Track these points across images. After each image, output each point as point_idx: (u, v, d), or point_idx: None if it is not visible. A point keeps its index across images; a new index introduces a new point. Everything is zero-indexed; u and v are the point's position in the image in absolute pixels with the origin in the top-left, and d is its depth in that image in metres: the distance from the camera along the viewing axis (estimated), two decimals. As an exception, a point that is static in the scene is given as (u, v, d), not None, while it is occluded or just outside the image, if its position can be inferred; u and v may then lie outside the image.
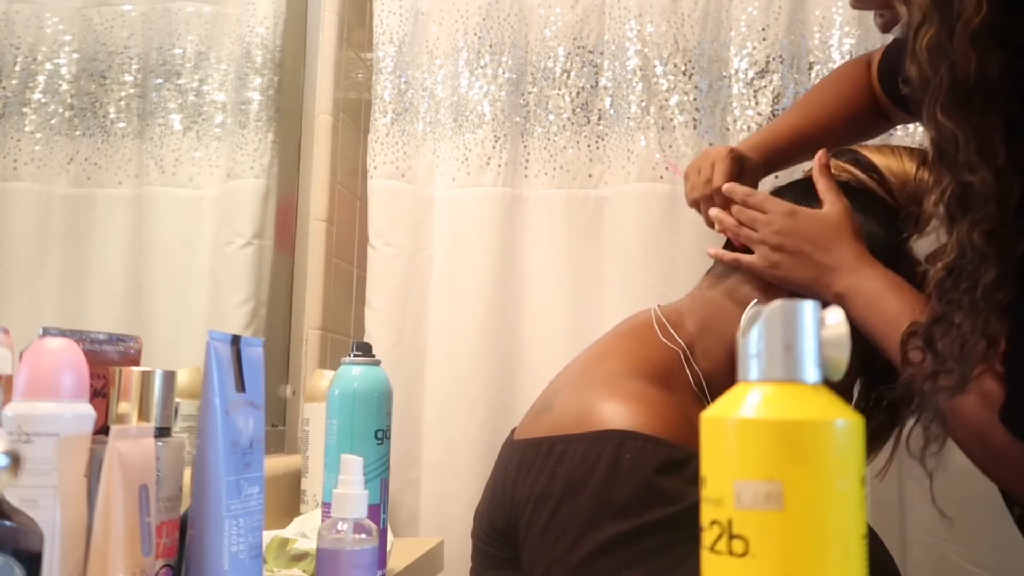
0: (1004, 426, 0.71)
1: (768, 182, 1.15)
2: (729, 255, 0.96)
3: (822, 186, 0.94)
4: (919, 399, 0.76)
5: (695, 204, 1.05)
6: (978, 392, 0.73)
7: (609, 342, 0.96)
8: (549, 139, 1.45)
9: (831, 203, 0.92)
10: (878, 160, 0.96)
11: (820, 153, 0.97)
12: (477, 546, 0.93)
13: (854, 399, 0.98)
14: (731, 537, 0.37)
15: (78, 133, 1.09)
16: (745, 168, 1.03)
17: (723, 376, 0.90)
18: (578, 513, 0.78)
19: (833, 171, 0.96)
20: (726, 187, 0.98)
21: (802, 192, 0.97)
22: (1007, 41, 0.65)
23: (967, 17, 0.64)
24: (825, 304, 0.82)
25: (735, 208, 0.97)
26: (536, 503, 0.81)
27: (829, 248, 0.90)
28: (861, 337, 0.85)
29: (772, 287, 0.93)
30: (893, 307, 0.83)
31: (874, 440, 0.98)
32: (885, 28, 0.87)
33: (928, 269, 0.73)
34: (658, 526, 0.74)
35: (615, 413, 0.80)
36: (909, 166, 0.95)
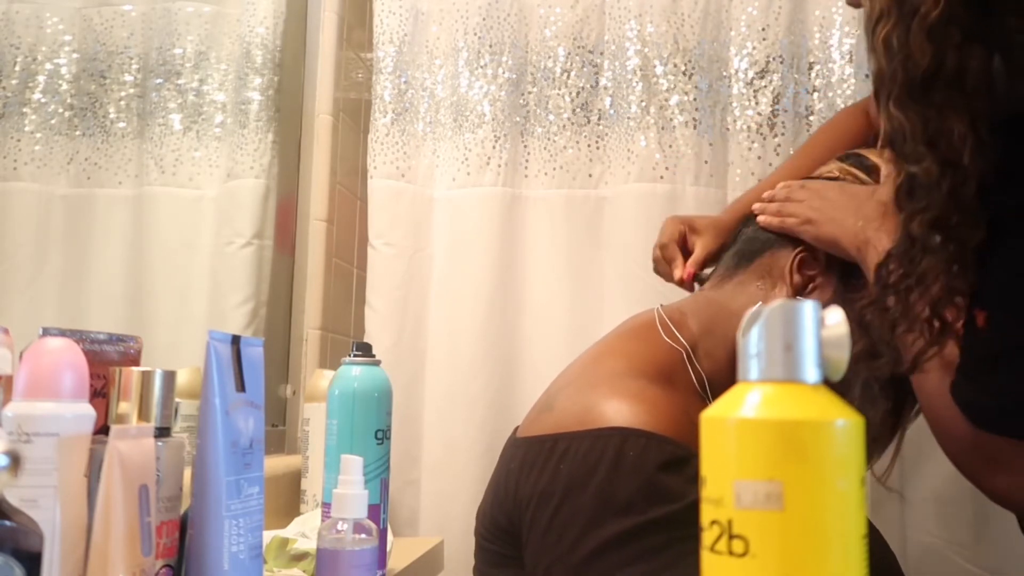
0: (952, 398, 0.72)
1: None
2: (775, 220, 0.95)
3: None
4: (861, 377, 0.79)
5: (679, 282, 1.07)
6: (940, 364, 0.74)
7: (611, 341, 0.96)
8: (549, 139, 1.45)
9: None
10: (882, 164, 0.96)
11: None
12: (480, 544, 0.93)
13: (855, 402, 0.98)
14: (731, 537, 0.37)
15: (78, 133, 1.09)
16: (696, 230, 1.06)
17: (725, 376, 0.90)
18: (581, 511, 0.78)
19: (838, 173, 0.96)
20: (772, 198, 0.98)
21: None
22: (969, 36, 0.65)
23: (924, 12, 0.65)
24: (847, 254, 0.78)
25: (775, 205, 0.97)
26: (539, 501, 0.81)
27: (863, 204, 0.89)
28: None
29: (776, 288, 0.93)
30: None
31: (875, 445, 0.98)
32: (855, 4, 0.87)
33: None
34: (660, 524, 0.74)
35: (617, 411, 0.81)
36: None
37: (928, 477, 1.26)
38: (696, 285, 1.05)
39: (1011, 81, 0.67)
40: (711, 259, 1.06)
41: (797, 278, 0.92)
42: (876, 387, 0.95)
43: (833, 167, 0.97)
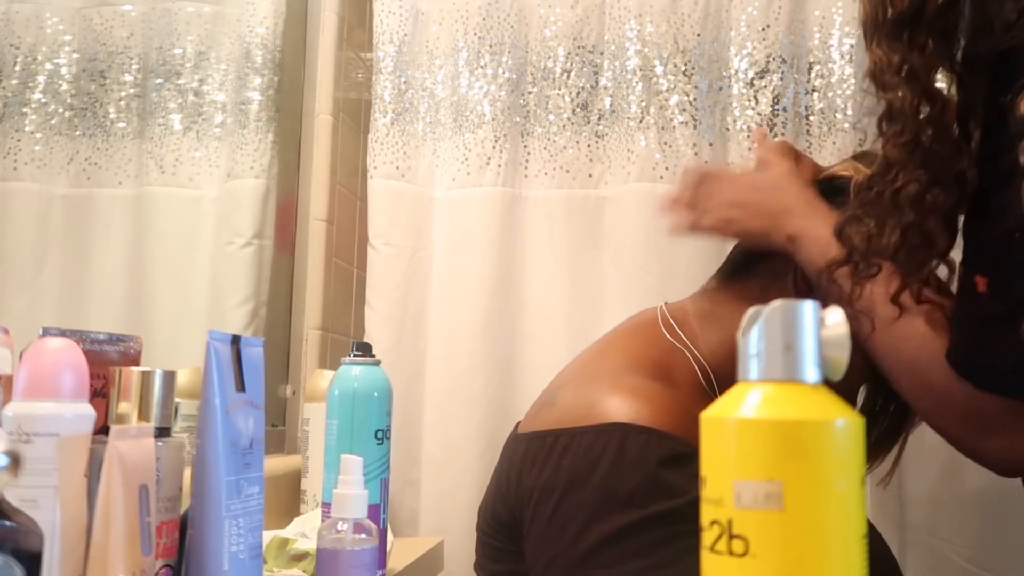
0: (949, 365, 0.74)
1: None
2: (679, 217, 0.97)
3: (761, 153, 0.96)
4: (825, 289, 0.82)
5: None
6: (926, 326, 0.76)
7: (614, 338, 0.96)
8: (549, 139, 1.45)
9: (776, 164, 0.94)
10: None
11: (756, 130, 0.99)
12: (481, 539, 0.93)
13: (858, 404, 0.98)
14: (731, 537, 0.37)
15: (78, 133, 1.09)
16: None
17: (727, 375, 0.91)
18: (582, 505, 0.78)
19: (852, 172, 0.96)
20: (672, 197, 0.99)
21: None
22: None
23: None
24: (780, 250, 0.85)
25: (682, 211, 0.98)
26: (540, 495, 0.81)
27: (780, 194, 0.92)
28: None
29: (778, 287, 0.93)
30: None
31: (878, 445, 0.98)
32: None
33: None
34: (662, 518, 0.74)
35: (619, 407, 0.81)
36: None
37: (928, 477, 1.26)
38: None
39: (981, 30, 0.73)
40: None
41: (802, 284, 0.92)
42: (881, 393, 0.95)
43: (848, 164, 0.97)
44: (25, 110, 1.03)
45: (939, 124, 0.72)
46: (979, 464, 0.80)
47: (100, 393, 0.64)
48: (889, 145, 0.74)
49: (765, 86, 1.40)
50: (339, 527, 0.74)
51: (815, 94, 1.40)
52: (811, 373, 0.39)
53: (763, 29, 1.41)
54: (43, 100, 1.05)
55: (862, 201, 0.77)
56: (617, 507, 0.76)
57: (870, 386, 0.97)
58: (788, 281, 0.92)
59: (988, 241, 0.70)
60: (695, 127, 1.40)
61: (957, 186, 0.73)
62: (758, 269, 0.95)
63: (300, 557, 0.88)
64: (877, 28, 0.73)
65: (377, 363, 0.87)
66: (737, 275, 0.97)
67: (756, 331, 0.40)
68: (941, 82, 0.74)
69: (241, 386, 0.66)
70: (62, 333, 0.62)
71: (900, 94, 0.72)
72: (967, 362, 0.73)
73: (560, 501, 0.80)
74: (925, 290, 0.76)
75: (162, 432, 0.63)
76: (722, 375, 0.90)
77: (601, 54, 1.46)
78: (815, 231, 0.86)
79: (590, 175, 1.44)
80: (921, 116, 0.72)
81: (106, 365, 0.66)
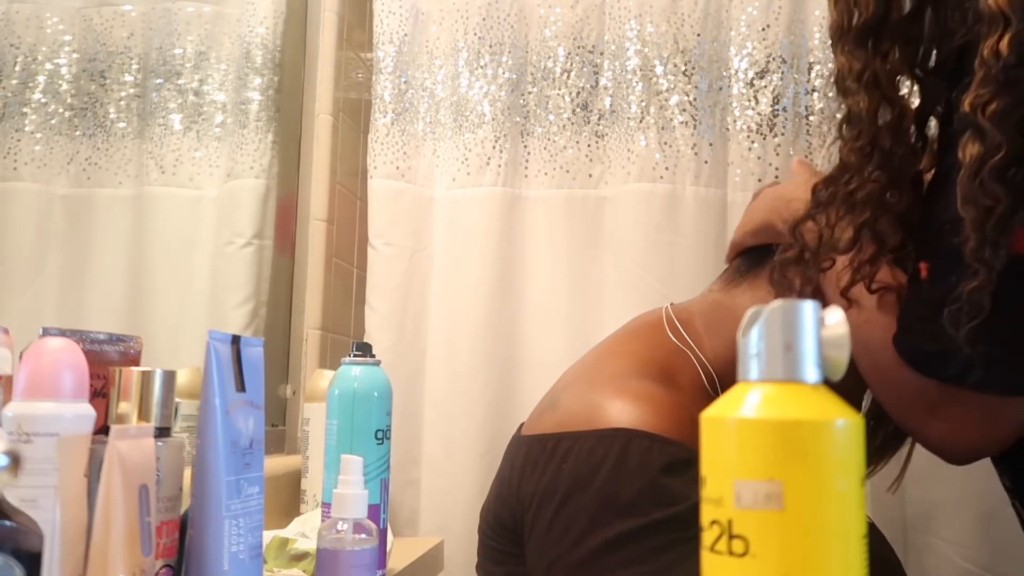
0: (895, 349, 0.76)
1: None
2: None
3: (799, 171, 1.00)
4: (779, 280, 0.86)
5: None
6: (882, 309, 0.78)
7: (617, 341, 0.96)
8: (549, 139, 1.45)
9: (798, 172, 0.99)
10: None
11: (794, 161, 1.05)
12: (483, 541, 0.93)
13: (864, 407, 0.97)
14: (731, 537, 0.37)
15: (78, 133, 1.09)
16: None
17: (732, 377, 0.90)
18: (583, 510, 0.78)
19: None
20: None
21: None
22: None
23: None
24: (781, 235, 0.82)
25: None
26: (541, 499, 0.81)
27: (787, 186, 0.97)
28: None
29: (784, 293, 0.93)
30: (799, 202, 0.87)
31: (885, 447, 0.98)
32: None
33: None
34: (663, 525, 0.74)
35: (622, 412, 0.81)
36: None
37: (928, 477, 1.26)
38: None
39: (943, 37, 0.76)
40: None
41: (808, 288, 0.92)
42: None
43: None
44: (25, 110, 1.03)
45: (897, 129, 0.75)
46: (927, 450, 0.82)
47: (100, 393, 0.64)
48: (846, 149, 0.77)
49: (765, 86, 1.40)
50: (339, 527, 0.74)
51: (815, 94, 1.40)
52: (811, 373, 0.39)
53: (763, 29, 1.40)
54: (43, 100, 1.05)
55: (817, 201, 0.80)
56: (618, 513, 0.76)
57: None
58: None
59: (929, 230, 0.73)
60: (695, 127, 1.40)
61: (912, 187, 0.76)
62: (765, 271, 0.95)
63: (300, 557, 0.88)
64: (843, 35, 0.76)
65: (377, 363, 0.87)
66: (744, 277, 0.97)
67: (756, 331, 0.40)
68: (903, 88, 0.77)
69: (241, 386, 0.66)
70: (62, 333, 0.62)
71: (859, 100, 0.75)
72: (908, 346, 0.75)
73: (561, 505, 0.80)
74: (881, 272, 0.78)
75: (162, 432, 0.63)
76: (727, 378, 0.90)
77: (601, 54, 1.46)
78: (784, 189, 0.91)
79: (590, 175, 1.44)
80: (880, 122, 0.74)
81: (106, 365, 0.66)
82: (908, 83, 0.78)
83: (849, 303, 0.78)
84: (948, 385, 0.73)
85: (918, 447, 0.99)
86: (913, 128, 0.77)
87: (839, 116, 0.79)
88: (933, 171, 0.76)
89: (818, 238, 0.79)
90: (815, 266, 0.81)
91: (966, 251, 0.65)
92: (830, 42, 0.79)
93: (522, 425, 0.93)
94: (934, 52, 0.78)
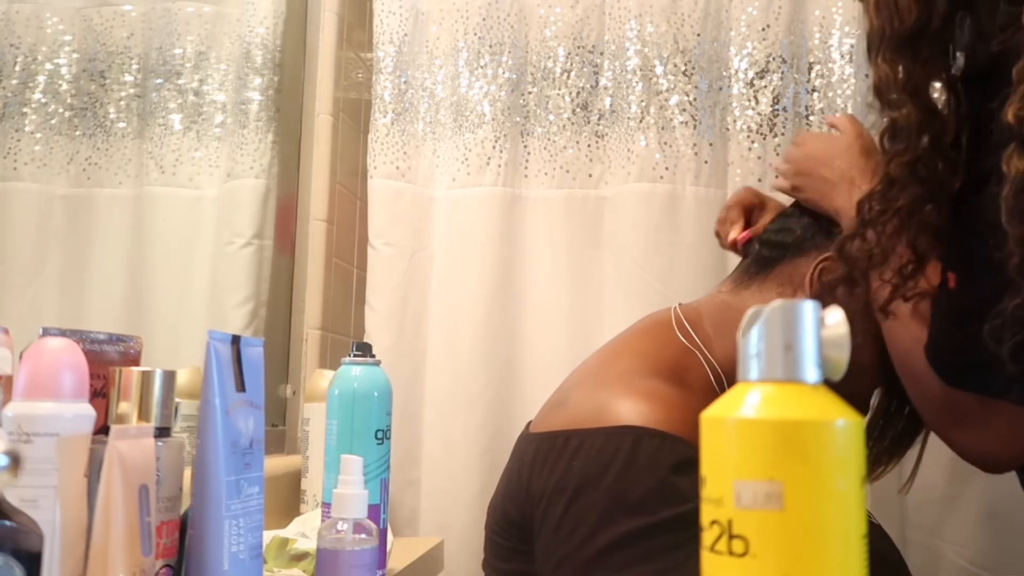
0: (926, 358, 0.76)
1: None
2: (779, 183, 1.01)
3: (832, 119, 1.00)
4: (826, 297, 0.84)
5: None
6: (915, 316, 0.78)
7: (627, 339, 0.96)
8: (549, 139, 1.45)
9: (844, 128, 0.96)
10: None
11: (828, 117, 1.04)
12: (490, 537, 0.93)
13: (870, 407, 0.97)
14: (731, 537, 0.37)
15: (78, 133, 1.09)
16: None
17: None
18: (593, 507, 0.78)
19: None
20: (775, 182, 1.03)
21: None
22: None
23: None
24: (835, 222, 0.83)
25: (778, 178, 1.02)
26: (551, 496, 0.81)
27: (832, 164, 0.93)
28: (882, 345, 0.85)
29: (796, 295, 0.93)
30: None
31: (894, 447, 0.98)
32: None
33: None
34: (672, 524, 0.74)
35: (632, 410, 0.81)
36: None
37: (928, 477, 1.26)
38: (746, 249, 1.07)
39: (978, 43, 0.74)
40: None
41: (818, 287, 0.92)
42: (896, 394, 0.95)
43: None
44: (25, 110, 1.03)
45: (940, 142, 0.73)
46: (960, 457, 0.82)
47: (100, 393, 0.64)
48: (893, 163, 0.75)
49: (765, 86, 1.40)
50: (339, 527, 0.74)
51: (815, 94, 1.40)
52: (811, 373, 0.39)
53: (763, 29, 1.41)
54: (43, 100, 1.05)
55: (864, 219, 0.78)
56: (628, 511, 0.76)
57: (885, 387, 0.97)
58: (805, 284, 0.92)
59: (960, 240, 0.72)
60: (695, 127, 1.40)
61: (948, 202, 0.74)
62: (775, 272, 0.95)
63: (300, 557, 0.88)
64: (883, 41, 0.73)
65: (377, 363, 0.87)
66: (754, 278, 0.96)
67: (756, 331, 0.40)
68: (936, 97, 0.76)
69: (241, 386, 0.66)
70: (62, 333, 0.62)
71: (905, 111, 0.73)
72: (938, 357, 0.75)
73: (570, 503, 0.80)
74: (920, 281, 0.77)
75: (162, 432, 0.63)
76: (734, 378, 0.90)
77: (601, 54, 1.46)
78: (851, 211, 0.88)
79: (590, 175, 1.44)
80: (923, 134, 0.72)
81: (106, 365, 0.66)
82: (942, 91, 0.76)
83: (886, 316, 0.79)
84: (980, 396, 0.73)
85: (928, 447, 1.00)
86: (952, 141, 0.75)
87: (877, 127, 0.76)
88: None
89: (867, 258, 0.78)
90: (866, 285, 0.80)
91: (1010, 266, 0.64)
92: (867, 49, 0.77)
93: (530, 423, 0.93)
94: (965, 58, 0.76)
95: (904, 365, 0.81)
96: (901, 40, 0.73)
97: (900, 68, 0.73)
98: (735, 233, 1.06)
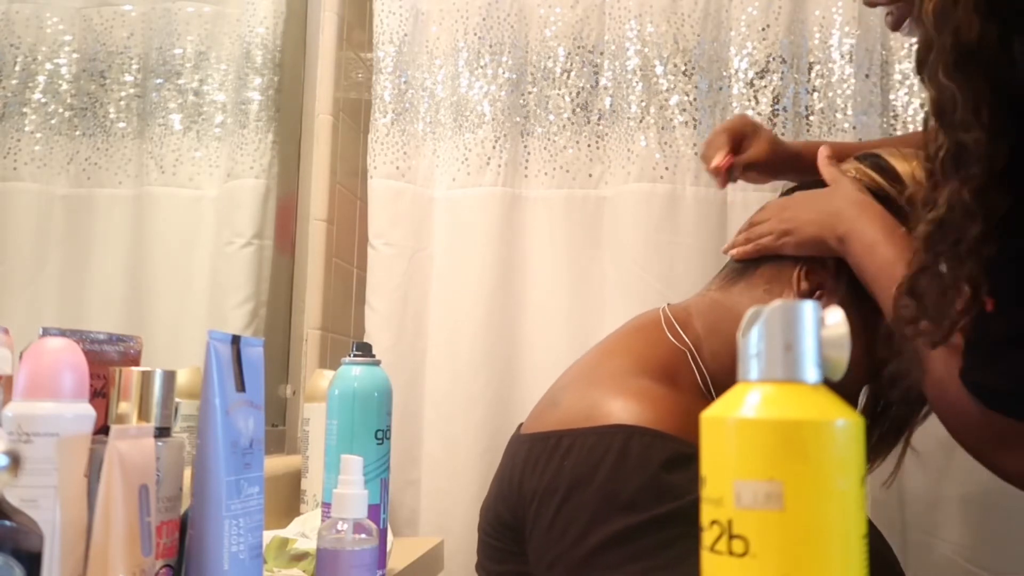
0: (963, 384, 0.74)
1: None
2: (750, 247, 0.97)
3: (828, 175, 0.96)
4: (900, 345, 0.80)
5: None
6: (946, 345, 0.75)
7: (617, 339, 0.96)
8: (549, 139, 1.45)
9: (835, 181, 0.95)
10: (900, 167, 0.95)
11: (822, 147, 0.99)
12: (483, 539, 0.93)
13: (859, 406, 0.98)
14: (731, 537, 0.37)
15: (78, 133, 1.09)
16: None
17: (729, 377, 0.90)
18: (585, 506, 0.78)
19: (854, 173, 0.96)
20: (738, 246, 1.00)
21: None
22: (998, 11, 0.68)
23: None
24: (831, 250, 0.82)
25: (743, 235, 0.99)
26: (543, 496, 0.81)
27: (831, 198, 0.92)
28: (871, 346, 0.85)
29: (783, 293, 0.93)
30: (889, 253, 0.85)
31: (880, 446, 0.99)
32: (894, 26, 0.87)
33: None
34: (665, 521, 0.74)
35: (622, 409, 0.81)
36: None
37: (928, 477, 1.26)
38: (729, 176, 1.05)
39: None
40: (753, 167, 1.07)
41: (805, 284, 0.92)
42: (883, 394, 0.95)
43: (850, 166, 0.97)
44: (25, 110, 1.03)
45: (999, 167, 0.68)
46: (1008, 482, 0.80)
47: (100, 393, 0.64)
48: (965, 189, 0.69)
49: (765, 86, 1.40)
50: (339, 527, 0.74)
51: (815, 94, 1.40)
52: (811, 373, 0.39)
53: (763, 29, 1.41)
54: (43, 100, 1.05)
55: (937, 251, 0.71)
56: (620, 509, 0.76)
57: (872, 388, 0.97)
58: (792, 282, 0.92)
59: (996, 263, 0.69)
60: (695, 127, 1.40)
61: (999, 231, 0.69)
62: (761, 270, 0.95)
63: (300, 557, 0.88)
64: (941, 57, 0.68)
65: (377, 363, 0.87)
66: (741, 276, 0.97)
67: (756, 331, 0.40)
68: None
69: (241, 386, 0.66)
70: (62, 333, 0.62)
71: (975, 135, 0.67)
72: (975, 382, 0.73)
73: (562, 503, 0.80)
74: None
75: (162, 432, 0.63)
76: (721, 378, 0.90)
77: (601, 54, 1.46)
78: (863, 232, 0.87)
79: (590, 175, 1.44)
80: (992, 158, 0.67)
81: (106, 365, 0.66)
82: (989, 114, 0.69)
83: (932, 347, 0.75)
84: (1019, 421, 0.72)
85: (926, 448, 1.00)
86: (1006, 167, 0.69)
87: (936, 152, 0.70)
88: None
89: (942, 296, 0.71)
90: (941, 332, 0.73)
91: None
92: (917, 64, 0.71)
93: (522, 424, 0.93)
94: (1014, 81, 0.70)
95: (938, 396, 0.80)
96: (966, 54, 0.67)
97: (964, 86, 0.67)
98: (718, 159, 1.04)
